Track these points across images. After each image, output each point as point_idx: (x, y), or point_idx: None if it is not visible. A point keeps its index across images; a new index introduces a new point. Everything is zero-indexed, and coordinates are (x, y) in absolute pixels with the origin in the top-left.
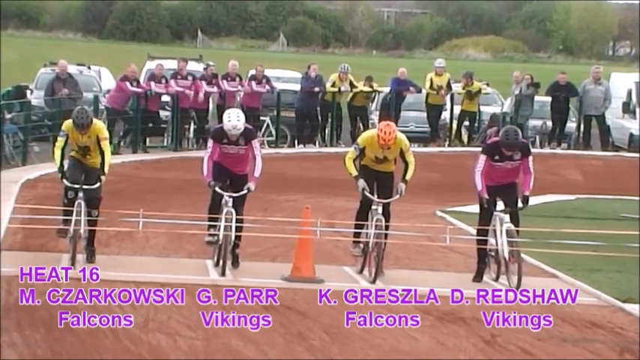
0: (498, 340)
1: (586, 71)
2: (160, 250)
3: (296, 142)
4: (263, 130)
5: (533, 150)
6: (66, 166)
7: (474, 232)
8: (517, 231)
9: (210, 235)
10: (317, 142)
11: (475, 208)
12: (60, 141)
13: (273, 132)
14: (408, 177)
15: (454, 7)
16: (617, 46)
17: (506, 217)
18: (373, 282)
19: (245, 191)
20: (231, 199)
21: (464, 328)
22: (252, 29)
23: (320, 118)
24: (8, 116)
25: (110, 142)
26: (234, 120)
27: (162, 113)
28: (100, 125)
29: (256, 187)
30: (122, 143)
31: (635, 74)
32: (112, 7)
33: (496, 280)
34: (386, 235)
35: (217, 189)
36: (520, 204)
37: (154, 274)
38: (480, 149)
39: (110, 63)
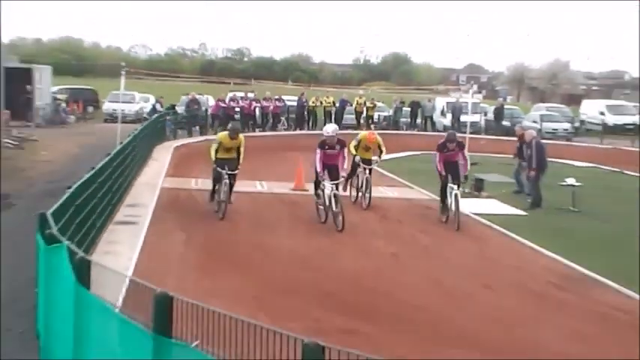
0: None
1: None
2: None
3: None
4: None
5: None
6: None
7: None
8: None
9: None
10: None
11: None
12: (214, 146)
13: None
14: (382, 156)
15: None
16: None
17: (455, 187)
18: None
19: (342, 179)
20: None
21: None
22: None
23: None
24: (168, 117)
25: (215, 132)
26: (330, 130)
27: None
28: (242, 136)
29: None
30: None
31: None
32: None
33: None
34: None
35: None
36: (462, 178)
37: None
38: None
39: (212, 93)
